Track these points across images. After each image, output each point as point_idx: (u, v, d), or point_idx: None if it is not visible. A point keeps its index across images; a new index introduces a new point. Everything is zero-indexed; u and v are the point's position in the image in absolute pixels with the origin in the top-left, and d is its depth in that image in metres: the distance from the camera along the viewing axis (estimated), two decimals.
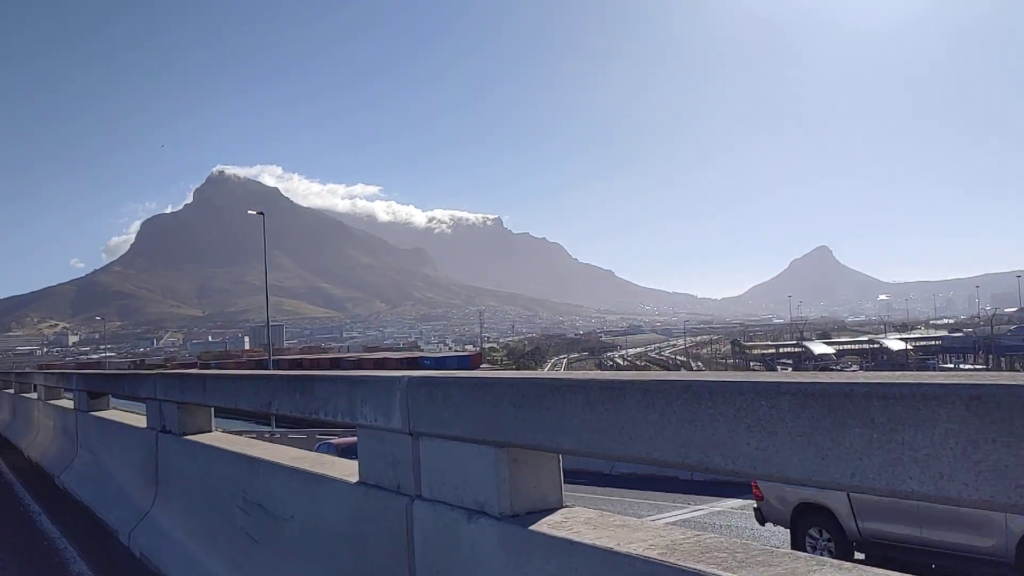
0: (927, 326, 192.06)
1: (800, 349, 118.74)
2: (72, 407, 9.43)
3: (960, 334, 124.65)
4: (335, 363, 56.64)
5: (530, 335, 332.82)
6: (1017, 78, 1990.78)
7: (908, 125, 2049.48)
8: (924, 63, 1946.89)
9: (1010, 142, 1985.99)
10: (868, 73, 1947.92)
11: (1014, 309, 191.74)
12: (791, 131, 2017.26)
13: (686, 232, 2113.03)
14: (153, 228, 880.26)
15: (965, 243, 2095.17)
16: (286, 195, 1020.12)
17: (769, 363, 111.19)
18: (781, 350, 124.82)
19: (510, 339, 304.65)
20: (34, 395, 13.58)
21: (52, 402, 11.72)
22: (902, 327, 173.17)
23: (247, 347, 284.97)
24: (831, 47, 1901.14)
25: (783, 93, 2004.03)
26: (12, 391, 16.74)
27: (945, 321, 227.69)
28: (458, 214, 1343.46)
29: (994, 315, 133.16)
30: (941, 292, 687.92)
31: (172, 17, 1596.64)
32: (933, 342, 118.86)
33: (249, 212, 55.55)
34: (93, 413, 8.55)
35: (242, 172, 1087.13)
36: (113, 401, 9.11)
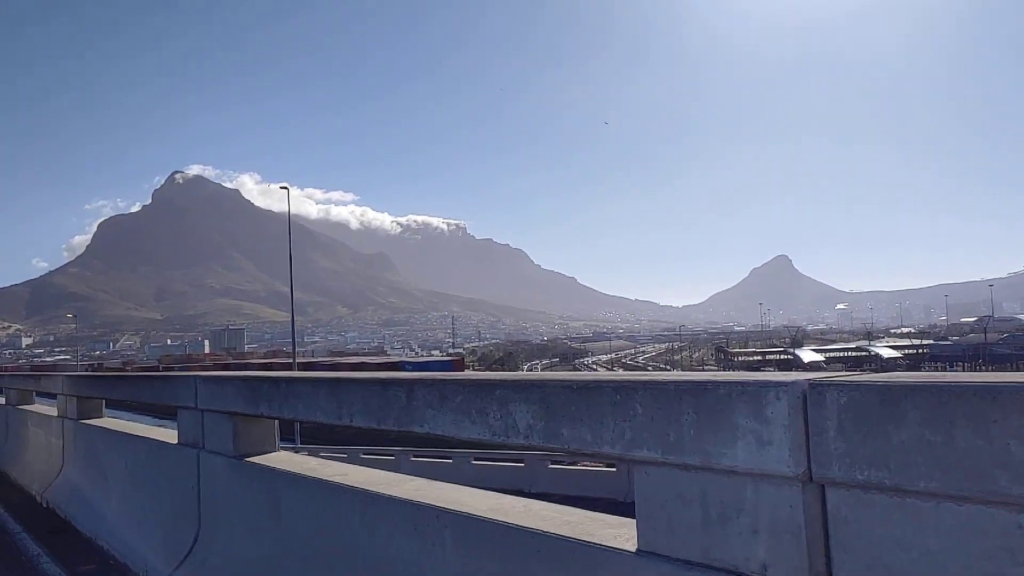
0: (889, 334, 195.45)
1: (788, 356, 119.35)
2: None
3: (948, 342, 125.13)
4: (307, 367, 60.37)
5: (495, 341, 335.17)
6: (975, 92, 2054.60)
7: (866, 138, 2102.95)
8: (883, 76, 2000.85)
9: (965, 156, 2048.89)
10: (828, 86, 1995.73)
11: (972, 319, 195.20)
12: (753, 142, 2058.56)
13: (648, 240, 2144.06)
14: (110, 229, 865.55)
15: (921, 254, 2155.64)
16: (247, 198, 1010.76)
17: (757, 369, 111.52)
18: (767, 356, 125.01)
19: (476, 344, 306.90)
20: None
21: None
22: (867, 335, 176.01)
23: (207, 351, 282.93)
24: (793, 60, 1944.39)
25: (745, 105, 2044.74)
26: None
27: (905, 330, 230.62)
28: (426, 220, 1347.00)
29: (953, 326, 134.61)
30: (897, 302, 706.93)
31: (146, 15, 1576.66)
32: (921, 350, 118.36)
33: (282, 186, 54.86)
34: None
35: (216, 176, 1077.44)
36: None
